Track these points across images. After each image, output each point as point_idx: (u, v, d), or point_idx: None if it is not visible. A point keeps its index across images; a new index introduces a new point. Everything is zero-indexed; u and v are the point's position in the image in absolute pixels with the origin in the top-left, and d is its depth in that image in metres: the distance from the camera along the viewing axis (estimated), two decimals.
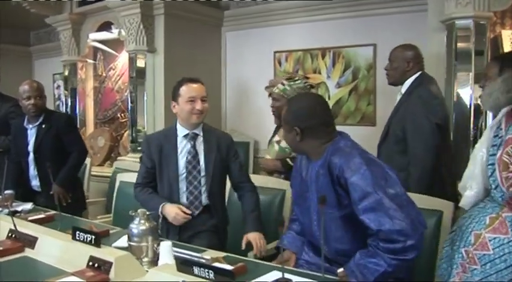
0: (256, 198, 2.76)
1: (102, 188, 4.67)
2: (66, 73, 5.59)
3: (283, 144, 3.21)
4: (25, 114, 3.58)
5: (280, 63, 5.13)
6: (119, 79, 5.40)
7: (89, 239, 2.16)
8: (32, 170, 3.48)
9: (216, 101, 5.40)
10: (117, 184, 3.52)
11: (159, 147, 2.76)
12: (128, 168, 4.05)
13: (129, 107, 4.89)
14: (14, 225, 2.38)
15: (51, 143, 3.43)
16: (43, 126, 3.44)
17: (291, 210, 2.75)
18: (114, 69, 5.46)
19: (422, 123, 2.75)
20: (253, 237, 2.54)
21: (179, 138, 2.76)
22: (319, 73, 4.95)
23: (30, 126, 3.47)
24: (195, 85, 2.70)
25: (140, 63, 4.79)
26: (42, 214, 3.09)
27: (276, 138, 3.37)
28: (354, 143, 2.16)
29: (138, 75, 4.81)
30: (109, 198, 4.01)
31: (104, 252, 2.05)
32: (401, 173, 2.57)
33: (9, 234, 2.47)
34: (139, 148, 4.79)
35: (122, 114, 5.41)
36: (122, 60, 5.42)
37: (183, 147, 2.74)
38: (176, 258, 1.95)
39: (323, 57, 4.94)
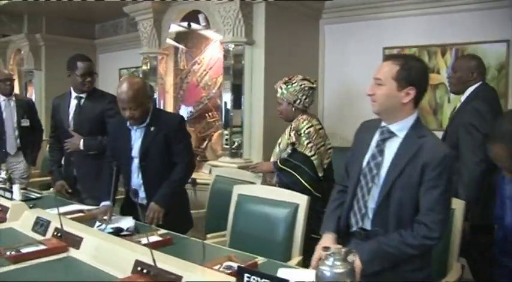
0: (397, 245, 1.92)
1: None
2: (146, 67, 4.94)
3: (280, 146, 3.17)
4: None
5: None
6: (206, 74, 4.74)
7: None
8: (136, 179, 2.84)
9: None
10: (234, 198, 2.85)
11: (361, 134, 2.19)
12: (230, 177, 3.41)
13: (223, 105, 4.21)
14: (154, 260, 1.73)
15: (160, 149, 2.79)
16: (151, 128, 2.79)
17: None
18: (199, 64, 4.80)
19: (473, 133, 2.80)
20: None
21: (378, 131, 2.09)
22: (438, 73, 4.23)
23: (135, 127, 2.82)
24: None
25: (238, 56, 4.12)
26: (155, 235, 2.44)
27: (279, 140, 3.24)
28: None
29: (234, 70, 4.14)
30: (212, 212, 3.37)
31: None
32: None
33: (138, 268, 1.83)
34: (233, 150, 4.13)
35: (210, 113, 4.74)
36: (208, 53, 4.77)
37: (375, 142, 2.08)
38: None
39: (443, 54, 4.21)
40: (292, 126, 3.13)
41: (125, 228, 2.54)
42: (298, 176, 3.05)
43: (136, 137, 2.82)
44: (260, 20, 4.13)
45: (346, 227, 2.12)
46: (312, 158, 3.07)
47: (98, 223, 2.67)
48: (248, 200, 2.79)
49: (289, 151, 3.12)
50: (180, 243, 2.38)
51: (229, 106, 4.16)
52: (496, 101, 3.04)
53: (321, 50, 4.79)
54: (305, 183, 3.04)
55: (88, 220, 2.73)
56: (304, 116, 3.14)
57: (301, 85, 3.14)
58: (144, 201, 2.82)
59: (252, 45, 4.14)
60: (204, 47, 4.82)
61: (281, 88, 3.16)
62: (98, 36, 7.26)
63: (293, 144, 3.10)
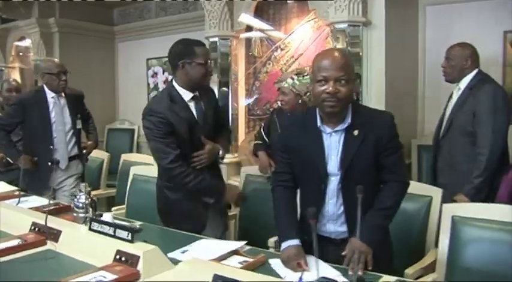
0: None
1: None
2: (214, 53, 3.87)
3: None
4: None
5: None
6: (293, 62, 3.75)
7: None
8: (333, 206, 1.84)
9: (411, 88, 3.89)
10: (446, 218, 1.99)
11: None
12: None
13: None
14: None
15: (369, 162, 1.82)
16: (355, 132, 1.81)
17: None
18: (283, 49, 3.80)
19: (501, 117, 2.68)
20: None
21: None
22: None
23: (329, 129, 1.84)
24: None
25: (354, 39, 3.19)
26: None
27: None
28: None
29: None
30: None
31: None
32: (472, 163, 2.64)
33: None
34: None
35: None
36: (297, 36, 3.77)
37: None
38: None
39: None
40: None
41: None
42: None
43: (333, 145, 1.84)
44: None
45: None
46: None
47: (287, 274, 1.71)
48: (473, 224, 1.95)
49: None
50: None
51: None
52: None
53: (420, 34, 3.91)
54: None
55: (257, 267, 1.77)
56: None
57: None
58: (344, 236, 1.86)
59: (367, 27, 3.22)
60: (286, 28, 3.83)
61: (292, 79, 2.97)
62: (117, 21, 6.09)
63: None
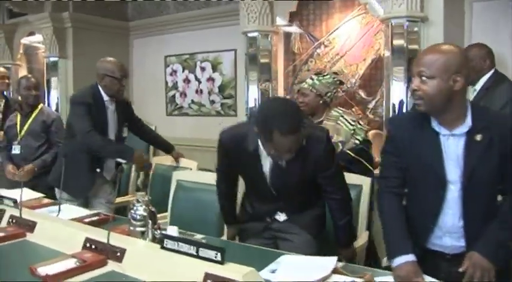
0: None
1: None
2: (252, 49, 3.61)
3: (335, 138, 2.72)
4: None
5: None
6: (339, 60, 3.51)
7: None
8: (448, 216, 1.63)
9: None
10: None
11: None
12: None
13: (385, 99, 3.04)
14: None
15: (493, 169, 1.60)
16: (477, 136, 1.59)
17: None
18: (327, 46, 3.55)
19: None
20: None
21: None
22: None
23: (445, 131, 1.63)
24: None
25: (412, 36, 2.96)
26: None
27: None
28: None
29: (395, 53, 2.98)
30: None
31: None
32: None
33: None
34: None
35: (353, 109, 3.51)
36: (343, 32, 3.52)
37: None
38: None
39: None
40: (348, 119, 2.81)
41: None
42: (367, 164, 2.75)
43: (451, 149, 1.62)
44: None
45: None
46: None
47: None
48: None
49: (357, 141, 2.77)
50: None
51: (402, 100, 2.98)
52: None
53: (467, 30, 3.68)
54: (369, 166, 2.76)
55: None
56: (342, 108, 2.97)
57: (333, 78, 2.89)
58: (458, 251, 1.65)
59: (424, 23, 2.99)
60: (328, 24, 3.58)
61: (312, 79, 2.84)
62: (131, 17, 5.76)
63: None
